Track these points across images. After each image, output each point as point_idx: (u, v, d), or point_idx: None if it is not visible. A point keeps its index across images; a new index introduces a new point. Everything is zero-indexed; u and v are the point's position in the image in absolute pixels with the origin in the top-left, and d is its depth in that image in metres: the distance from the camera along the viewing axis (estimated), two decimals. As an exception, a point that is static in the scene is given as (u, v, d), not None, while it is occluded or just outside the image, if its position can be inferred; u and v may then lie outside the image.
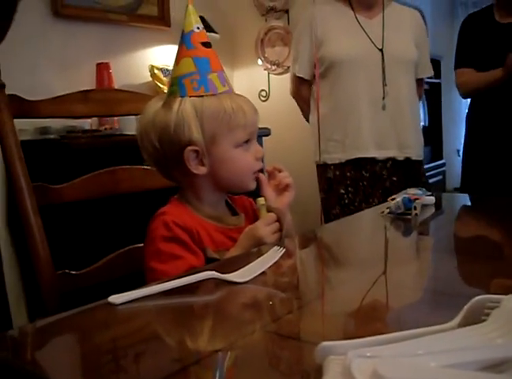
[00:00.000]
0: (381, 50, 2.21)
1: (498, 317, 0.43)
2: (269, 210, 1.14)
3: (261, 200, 1.15)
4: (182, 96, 1.09)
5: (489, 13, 2.58)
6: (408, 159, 2.27)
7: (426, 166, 4.22)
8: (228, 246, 1.13)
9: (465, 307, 0.48)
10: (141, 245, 1.22)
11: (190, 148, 1.10)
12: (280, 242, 1.06)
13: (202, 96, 1.10)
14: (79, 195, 1.21)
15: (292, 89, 2.44)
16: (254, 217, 1.23)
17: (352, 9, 2.28)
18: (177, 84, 1.10)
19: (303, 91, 2.39)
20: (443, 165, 5.24)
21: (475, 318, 0.47)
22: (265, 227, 1.10)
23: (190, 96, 1.09)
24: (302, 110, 2.47)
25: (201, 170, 1.12)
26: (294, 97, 2.46)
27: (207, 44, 1.13)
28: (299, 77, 2.34)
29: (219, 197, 1.20)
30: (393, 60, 2.19)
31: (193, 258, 1.07)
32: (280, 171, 1.24)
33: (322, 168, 2.32)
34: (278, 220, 1.12)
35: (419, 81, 2.38)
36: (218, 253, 1.11)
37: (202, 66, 1.11)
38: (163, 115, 1.09)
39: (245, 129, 1.14)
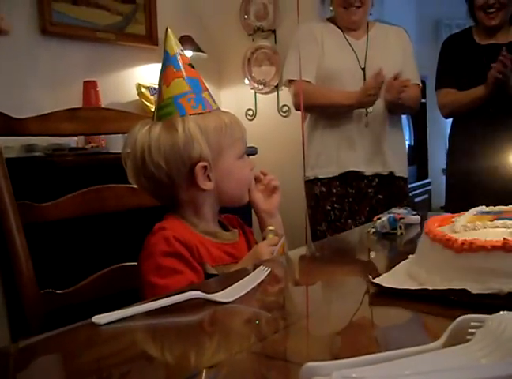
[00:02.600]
0: (363, 69, 2.25)
1: (483, 336, 0.43)
2: (275, 234, 1.20)
3: (270, 227, 1.22)
4: (181, 115, 1.10)
5: (468, 34, 2.62)
6: (392, 175, 2.30)
7: (412, 185, 4.23)
8: (226, 261, 1.14)
9: (450, 327, 0.48)
10: (127, 264, 1.22)
11: (200, 164, 1.11)
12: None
13: (201, 114, 1.11)
14: (64, 213, 1.21)
15: (298, 95, 2.25)
16: (242, 231, 1.25)
17: (340, 29, 2.32)
18: (173, 104, 1.12)
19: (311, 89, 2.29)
20: (429, 184, 5.28)
21: (460, 338, 0.47)
22: (266, 246, 1.15)
23: (190, 114, 1.11)
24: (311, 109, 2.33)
25: (209, 185, 1.14)
26: (298, 103, 2.26)
27: (191, 66, 1.16)
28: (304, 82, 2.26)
29: (215, 213, 1.21)
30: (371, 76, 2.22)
31: (192, 274, 1.07)
32: (265, 175, 1.28)
33: (309, 185, 2.33)
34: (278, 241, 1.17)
35: (411, 86, 2.33)
36: (216, 269, 1.11)
37: (195, 86, 1.13)
38: (169, 136, 1.10)
39: (243, 141, 1.19)
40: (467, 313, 0.49)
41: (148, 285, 1.07)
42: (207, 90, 1.17)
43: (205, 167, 1.12)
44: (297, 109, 2.34)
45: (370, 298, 0.78)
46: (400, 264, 0.86)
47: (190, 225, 1.16)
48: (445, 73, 2.63)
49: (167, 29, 1.16)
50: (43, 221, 1.17)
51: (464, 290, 0.68)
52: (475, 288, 0.68)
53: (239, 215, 1.31)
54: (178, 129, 1.10)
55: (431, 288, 0.72)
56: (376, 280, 0.78)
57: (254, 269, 0.89)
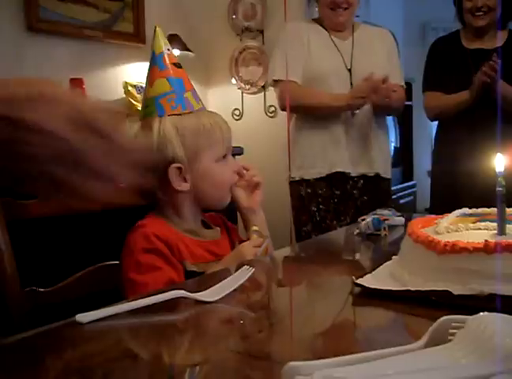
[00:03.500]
0: (349, 70, 2.26)
1: (463, 337, 0.44)
2: (260, 236, 1.19)
3: (255, 227, 1.21)
4: (160, 116, 1.10)
5: (456, 38, 2.64)
6: (377, 176, 2.31)
7: (397, 187, 4.25)
8: (207, 259, 1.14)
9: (431, 328, 0.48)
10: (111, 262, 1.21)
11: (173, 165, 1.11)
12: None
13: (180, 114, 1.11)
14: (48, 211, 1.20)
15: (283, 96, 2.27)
16: (226, 230, 1.25)
17: (326, 30, 2.33)
18: (153, 104, 1.12)
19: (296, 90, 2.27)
20: (414, 186, 5.31)
21: (441, 338, 0.47)
22: (251, 247, 1.14)
23: (169, 115, 1.11)
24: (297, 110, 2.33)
25: (184, 186, 1.14)
26: (284, 104, 2.29)
27: (178, 65, 1.15)
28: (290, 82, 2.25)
29: (196, 212, 1.21)
30: (361, 79, 2.23)
31: (172, 271, 1.07)
32: (247, 170, 1.26)
33: (295, 185, 2.33)
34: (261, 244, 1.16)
35: (396, 87, 2.35)
36: (197, 266, 1.11)
37: (177, 86, 1.13)
38: (144, 135, 1.10)
39: (223, 144, 1.17)
40: (448, 314, 0.50)
41: (128, 282, 1.07)
42: (191, 90, 1.16)
43: (179, 169, 1.12)
44: (282, 109, 2.34)
45: (354, 299, 0.78)
46: (383, 265, 0.87)
47: (171, 223, 1.16)
48: (432, 75, 2.64)
49: (155, 28, 1.16)
50: (26, 218, 1.16)
51: (445, 292, 0.69)
52: (456, 289, 0.69)
53: (224, 212, 1.31)
54: (153, 130, 1.10)
55: (413, 289, 0.73)
56: (359, 281, 0.79)
57: (238, 269, 0.89)
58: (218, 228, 1.24)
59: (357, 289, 0.78)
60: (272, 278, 1.04)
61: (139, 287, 1.04)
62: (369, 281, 0.79)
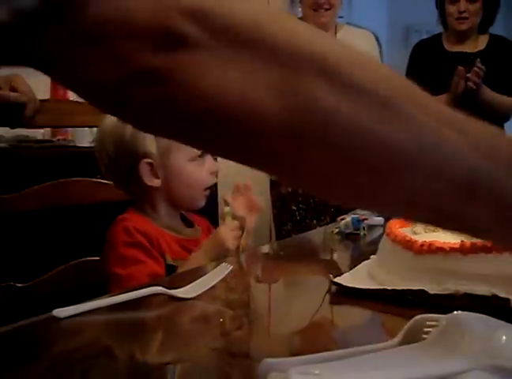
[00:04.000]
0: None
1: (437, 335, 0.45)
2: (234, 218, 1.15)
3: (227, 208, 1.16)
4: None
5: (438, 41, 2.67)
6: None
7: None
8: (185, 257, 1.13)
9: (406, 326, 0.49)
10: (90, 258, 1.21)
11: (144, 160, 1.10)
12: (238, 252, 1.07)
13: None
14: (29, 205, 1.19)
15: None
16: (209, 233, 1.24)
17: None
18: None
19: None
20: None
21: (415, 337, 0.48)
22: (228, 231, 1.12)
23: None
24: None
25: (155, 182, 1.13)
26: None
27: None
28: None
29: (173, 209, 1.20)
30: None
31: (154, 264, 1.07)
32: (248, 189, 1.23)
33: (276, 185, 2.34)
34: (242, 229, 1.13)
35: None
36: (176, 262, 1.11)
37: None
38: (121, 127, 1.10)
39: None
40: (424, 313, 0.50)
41: (111, 276, 1.07)
42: None
43: (151, 164, 1.12)
44: None
45: (331, 297, 0.79)
46: (361, 264, 0.87)
47: (150, 219, 1.16)
48: (412, 78, 2.66)
49: None
50: (7, 212, 1.16)
51: (421, 291, 0.70)
52: (432, 289, 0.69)
53: (207, 215, 1.31)
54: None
55: (389, 288, 0.73)
56: (337, 279, 0.79)
57: (217, 266, 0.89)
58: (199, 228, 1.24)
59: (334, 287, 0.79)
60: (251, 275, 1.04)
61: (123, 280, 1.04)
62: (347, 280, 0.79)
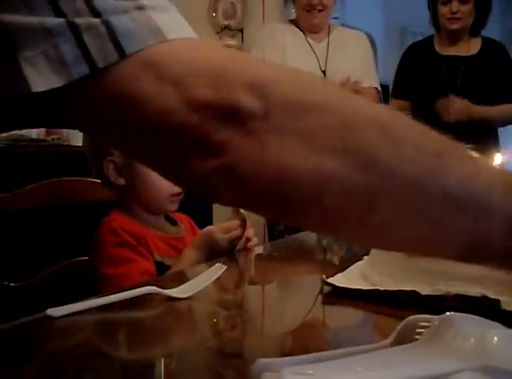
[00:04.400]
0: (323, 72, 2.27)
1: (429, 336, 0.45)
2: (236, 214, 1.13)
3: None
4: None
5: (429, 43, 2.65)
6: None
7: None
8: (171, 255, 1.14)
9: (399, 327, 0.49)
10: (83, 258, 1.21)
11: (108, 158, 1.11)
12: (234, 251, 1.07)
13: None
14: (23, 204, 1.19)
15: None
16: (192, 232, 1.24)
17: (302, 31, 2.34)
18: None
19: None
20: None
21: (408, 337, 0.48)
22: (219, 228, 1.11)
23: None
24: None
25: (120, 181, 1.13)
26: None
27: None
28: None
29: (146, 211, 1.21)
30: (335, 81, 2.25)
31: (144, 261, 1.08)
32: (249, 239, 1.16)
33: None
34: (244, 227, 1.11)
35: (368, 90, 2.39)
36: (164, 260, 1.12)
37: None
38: None
39: None
40: (417, 314, 0.50)
41: (102, 277, 1.07)
42: None
43: (114, 162, 1.12)
44: None
45: (324, 298, 0.79)
46: (354, 264, 0.88)
47: (135, 218, 1.17)
48: (400, 83, 2.66)
49: None
50: (1, 211, 1.15)
51: (413, 292, 0.70)
52: (424, 290, 0.70)
53: (199, 216, 1.31)
54: None
55: (381, 289, 0.74)
56: (330, 280, 0.79)
57: (211, 266, 0.89)
58: (183, 225, 1.25)
59: (327, 288, 0.79)
60: (245, 276, 1.04)
61: (114, 280, 1.04)
62: (340, 280, 0.79)
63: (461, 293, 0.68)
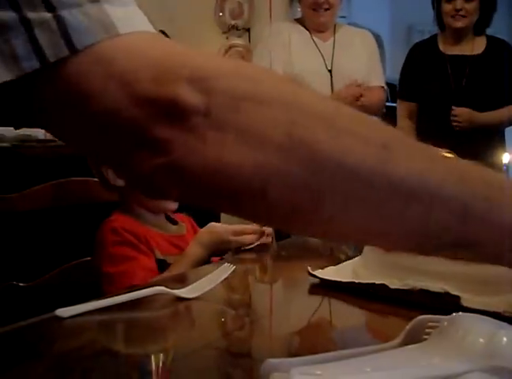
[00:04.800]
0: (330, 71, 2.27)
1: (438, 336, 0.45)
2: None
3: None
4: None
5: (433, 42, 2.63)
6: None
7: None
8: (173, 253, 1.14)
9: (407, 327, 0.49)
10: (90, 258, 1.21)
11: None
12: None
13: None
14: (31, 205, 1.20)
15: None
16: (193, 231, 1.25)
17: (308, 30, 2.34)
18: None
19: None
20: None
21: (416, 338, 0.48)
22: (224, 224, 1.12)
23: None
24: None
25: (119, 182, 1.14)
26: None
27: None
28: None
29: (145, 210, 1.21)
30: (341, 80, 2.25)
31: (146, 259, 1.09)
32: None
33: None
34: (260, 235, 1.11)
35: (374, 89, 2.40)
36: (166, 258, 1.12)
37: None
38: None
39: None
40: (425, 314, 0.50)
41: (104, 275, 1.08)
42: None
43: None
44: None
45: (310, 288, 0.80)
46: (351, 260, 0.89)
47: (136, 218, 1.17)
48: (406, 84, 2.64)
49: None
50: (9, 211, 1.16)
51: (383, 285, 0.73)
52: (393, 284, 0.73)
53: (204, 216, 1.31)
54: None
55: (356, 281, 0.77)
56: (316, 272, 0.82)
57: (219, 266, 0.89)
58: (184, 224, 1.26)
59: (312, 279, 0.82)
60: (253, 275, 1.04)
61: (116, 278, 1.05)
62: (327, 273, 0.82)
63: (424, 288, 0.70)
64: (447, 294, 0.68)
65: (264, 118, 0.41)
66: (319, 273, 0.82)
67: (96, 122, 0.41)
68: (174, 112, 0.40)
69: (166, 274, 1.07)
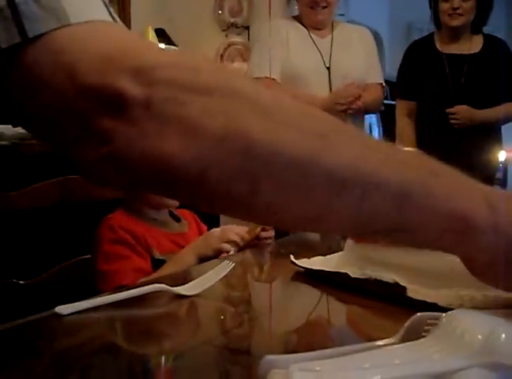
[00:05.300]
0: (328, 68, 2.26)
1: (436, 333, 0.45)
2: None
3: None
4: None
5: (430, 41, 2.63)
6: None
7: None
8: (174, 251, 1.14)
9: (406, 324, 0.49)
10: (90, 256, 1.22)
11: None
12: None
13: None
14: (30, 203, 1.20)
15: None
16: (197, 227, 1.25)
17: (306, 28, 2.34)
18: None
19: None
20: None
21: (415, 334, 0.48)
22: (219, 231, 1.14)
23: None
24: None
25: None
26: None
27: None
28: (267, 79, 2.28)
29: (148, 207, 1.22)
30: (340, 78, 2.24)
31: (139, 259, 1.09)
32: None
33: None
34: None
35: (371, 86, 2.41)
36: (165, 256, 1.13)
37: None
38: None
39: None
40: (424, 311, 0.50)
41: (98, 273, 1.09)
42: None
43: None
44: None
45: (293, 276, 0.83)
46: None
47: (138, 215, 1.18)
48: (404, 83, 2.64)
49: (147, 27, 1.22)
50: (8, 210, 1.16)
51: (346, 274, 0.77)
52: (354, 273, 0.76)
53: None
54: None
55: (326, 270, 0.82)
56: (298, 261, 0.88)
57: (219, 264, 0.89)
58: (186, 222, 1.26)
59: (295, 267, 0.87)
60: (252, 273, 1.05)
61: (108, 276, 1.05)
62: (314, 263, 0.87)
63: (378, 278, 0.73)
64: (396, 284, 0.71)
65: (202, 108, 0.42)
66: (302, 262, 0.87)
67: (45, 111, 0.43)
68: (115, 103, 0.41)
69: (155, 275, 1.07)
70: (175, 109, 0.42)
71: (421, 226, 0.46)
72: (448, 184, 0.47)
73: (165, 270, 1.08)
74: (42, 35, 0.40)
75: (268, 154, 0.42)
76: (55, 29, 0.41)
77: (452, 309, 0.48)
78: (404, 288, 0.70)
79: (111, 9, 0.46)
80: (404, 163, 0.47)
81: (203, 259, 1.10)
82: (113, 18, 0.45)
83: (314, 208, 0.45)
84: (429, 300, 0.65)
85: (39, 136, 0.49)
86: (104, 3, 0.45)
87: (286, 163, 0.43)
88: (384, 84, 2.48)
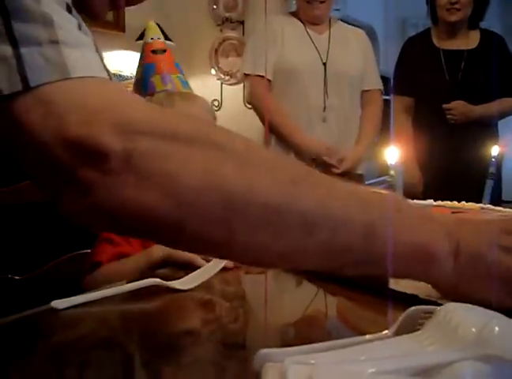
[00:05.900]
0: (324, 64, 2.26)
1: (431, 326, 0.45)
2: None
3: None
4: None
5: (427, 36, 2.62)
6: (348, 172, 2.30)
7: (373, 181, 4.28)
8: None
9: (401, 317, 0.49)
10: (85, 251, 1.22)
11: None
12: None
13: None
14: (25, 198, 1.19)
15: (252, 92, 2.34)
16: None
17: (303, 23, 2.33)
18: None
19: (263, 91, 2.31)
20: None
21: (410, 328, 0.49)
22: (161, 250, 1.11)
23: None
24: (261, 115, 2.37)
25: None
26: (251, 102, 2.39)
27: (156, 51, 1.25)
28: (258, 77, 2.29)
29: None
30: (336, 74, 2.24)
31: (127, 247, 1.08)
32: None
33: None
34: None
35: (371, 93, 2.42)
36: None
37: (147, 71, 1.25)
38: None
39: None
40: (418, 304, 0.51)
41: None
42: (160, 73, 1.25)
43: None
44: (249, 103, 2.42)
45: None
46: None
47: None
48: (401, 78, 2.64)
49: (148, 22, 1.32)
50: (2, 205, 1.16)
51: None
52: None
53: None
54: None
55: None
56: None
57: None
58: None
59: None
60: (247, 267, 1.05)
61: (91, 256, 1.06)
62: None
63: None
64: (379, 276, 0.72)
65: (182, 160, 0.45)
66: None
67: (33, 157, 0.45)
68: (97, 155, 0.43)
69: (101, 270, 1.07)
70: (155, 162, 0.44)
71: (387, 257, 0.50)
72: (410, 219, 0.52)
73: (112, 269, 1.07)
74: (41, 85, 0.43)
75: (244, 203, 0.46)
76: (55, 81, 0.43)
77: (431, 301, 0.53)
78: (386, 279, 0.70)
79: (105, 63, 0.49)
80: (368, 200, 0.52)
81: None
82: (107, 71, 0.48)
83: (289, 248, 0.49)
84: (409, 291, 0.66)
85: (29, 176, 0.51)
86: (100, 58, 0.48)
87: (261, 210, 0.46)
88: (382, 89, 2.48)
